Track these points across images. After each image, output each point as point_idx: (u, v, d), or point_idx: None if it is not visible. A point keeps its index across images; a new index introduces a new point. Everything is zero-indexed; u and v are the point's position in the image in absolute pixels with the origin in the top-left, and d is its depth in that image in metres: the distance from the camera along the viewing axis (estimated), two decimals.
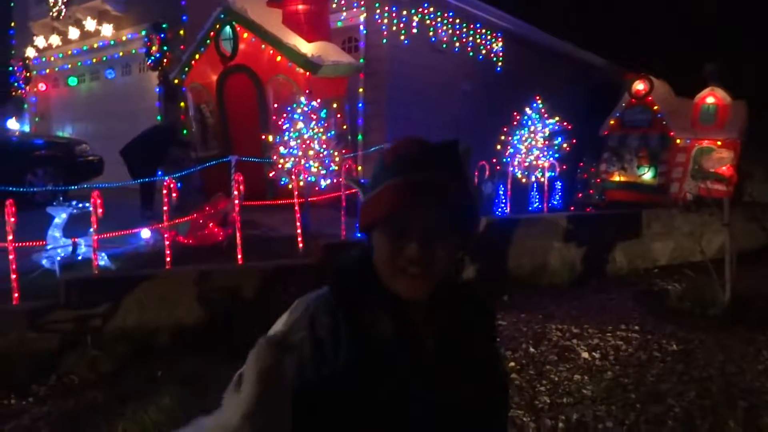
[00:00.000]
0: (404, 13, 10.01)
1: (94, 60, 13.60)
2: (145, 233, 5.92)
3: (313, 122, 6.81)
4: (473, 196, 1.06)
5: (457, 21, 11.15)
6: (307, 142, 6.75)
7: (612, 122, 10.88)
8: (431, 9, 10.54)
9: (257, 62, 8.91)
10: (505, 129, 8.78)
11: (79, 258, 5.09)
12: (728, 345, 5.15)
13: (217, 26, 9.23)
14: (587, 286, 7.35)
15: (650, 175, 10.48)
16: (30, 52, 14.52)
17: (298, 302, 1.05)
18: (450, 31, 11.00)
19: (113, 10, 12.53)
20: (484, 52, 11.95)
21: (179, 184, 7.07)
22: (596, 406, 3.91)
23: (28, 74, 14.80)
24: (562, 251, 7.71)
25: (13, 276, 4.25)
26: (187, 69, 9.85)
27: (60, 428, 3.45)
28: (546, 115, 8.70)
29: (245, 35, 8.98)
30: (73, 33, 13.27)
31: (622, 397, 4.05)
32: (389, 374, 0.97)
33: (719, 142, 9.70)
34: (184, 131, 10.32)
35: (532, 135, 8.60)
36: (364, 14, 9.85)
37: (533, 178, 8.71)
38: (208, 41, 9.42)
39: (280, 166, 6.85)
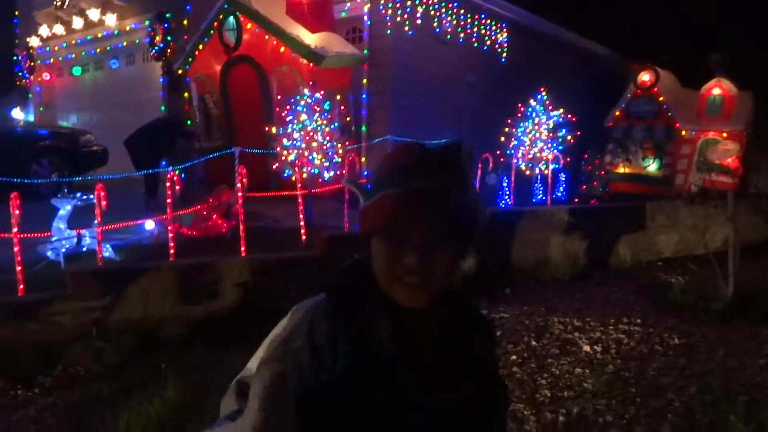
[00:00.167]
0: (408, 3, 9.95)
1: (98, 50, 13.59)
2: (149, 224, 5.95)
3: (317, 114, 6.80)
4: (474, 203, 1.06)
5: (462, 12, 11.08)
6: (311, 134, 6.75)
7: (617, 113, 10.83)
8: (435, 0, 10.48)
9: (261, 53, 8.89)
10: (509, 121, 8.75)
11: (84, 249, 5.12)
12: (730, 339, 5.16)
13: (221, 16, 9.21)
14: (590, 279, 7.36)
15: (655, 166, 10.44)
16: (34, 42, 14.51)
17: (297, 308, 1.04)
18: (454, 22, 10.93)
19: (117, 0, 12.51)
20: (488, 43, 11.88)
21: (183, 176, 7.10)
22: (597, 399, 3.93)
23: (32, 64, 14.80)
24: (566, 244, 7.71)
25: (19, 268, 4.28)
26: (190, 59, 9.84)
27: (66, 419, 3.49)
28: (550, 107, 8.67)
29: (249, 26, 8.96)
30: (77, 22, 13.27)
31: (623, 390, 4.07)
32: (388, 381, 0.98)
33: (725, 134, 9.64)
34: (188, 122, 10.32)
35: (536, 127, 8.57)
36: (368, 5, 9.80)
37: (537, 171, 8.70)
38: (212, 31, 9.40)
39: (283, 158, 6.85)
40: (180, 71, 10.18)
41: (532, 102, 8.66)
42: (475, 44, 11.56)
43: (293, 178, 6.47)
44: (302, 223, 6.02)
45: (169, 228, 5.17)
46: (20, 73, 15.06)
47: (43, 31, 14.26)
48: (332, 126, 6.97)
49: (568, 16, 14.01)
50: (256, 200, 6.64)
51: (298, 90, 7.45)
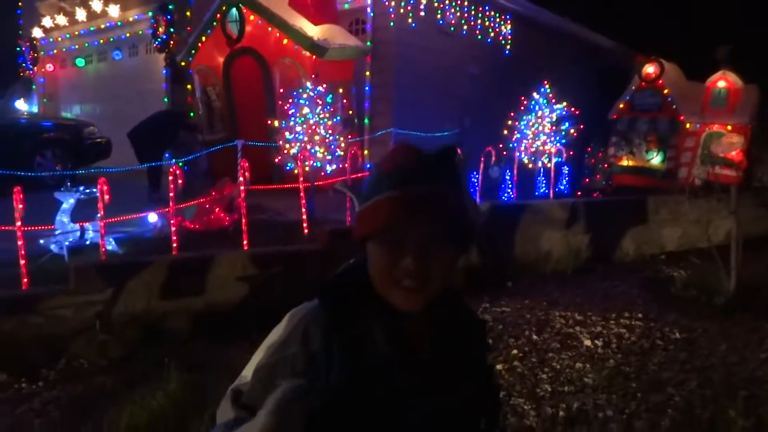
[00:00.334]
0: None
1: (101, 41, 13.59)
2: (153, 217, 5.97)
3: (319, 107, 6.79)
4: (470, 207, 1.06)
5: (465, 3, 11.03)
6: (313, 127, 6.75)
7: (621, 106, 10.76)
8: None
9: (264, 45, 8.87)
10: (512, 114, 8.73)
11: (87, 243, 5.15)
12: (732, 333, 5.16)
13: (224, 8, 9.19)
14: (592, 273, 7.35)
15: (659, 159, 10.39)
16: (37, 33, 14.51)
17: (291, 315, 1.05)
18: (458, 14, 10.88)
19: None
20: (492, 34, 11.82)
21: (185, 168, 7.10)
22: (597, 394, 3.95)
23: (35, 55, 14.81)
24: (568, 237, 7.70)
25: (22, 261, 4.31)
26: (193, 51, 9.83)
27: (69, 412, 3.52)
28: (554, 100, 8.63)
29: (251, 17, 8.93)
30: (80, 13, 13.25)
31: (623, 385, 4.08)
32: (385, 385, 0.98)
33: (729, 127, 9.59)
34: (191, 114, 10.33)
35: (540, 120, 8.54)
36: None
37: (540, 164, 8.68)
38: (215, 23, 9.39)
39: (285, 151, 6.85)
40: (183, 63, 10.17)
41: (536, 95, 8.62)
42: (479, 36, 11.51)
43: (295, 172, 6.48)
44: (304, 217, 6.03)
45: (172, 221, 5.19)
46: (24, 64, 15.07)
47: (46, 21, 14.25)
48: (335, 119, 6.97)
49: (572, 8, 13.93)
50: (259, 193, 6.65)
51: (301, 82, 7.44)
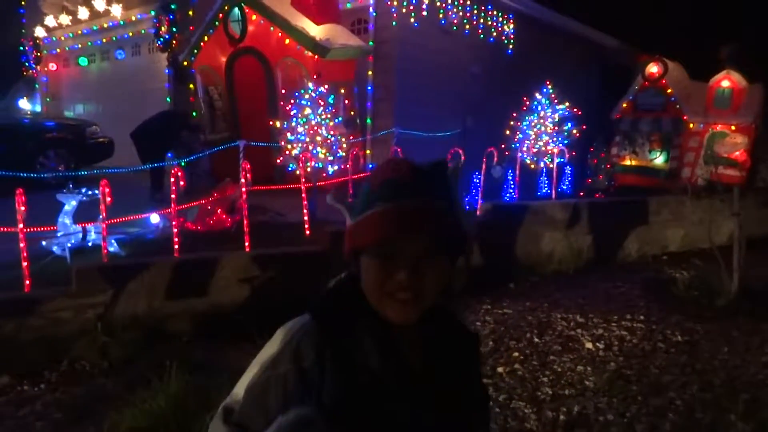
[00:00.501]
0: None
1: (104, 40, 13.61)
2: (155, 218, 5.99)
3: (321, 108, 6.79)
4: (462, 220, 1.06)
5: (468, 2, 11.00)
6: (315, 128, 6.75)
7: (624, 105, 10.72)
8: None
9: (266, 45, 8.87)
10: (514, 114, 8.71)
11: (89, 244, 5.16)
12: (733, 336, 5.15)
13: (226, 8, 9.19)
14: (595, 274, 7.34)
15: (662, 159, 10.35)
16: (40, 32, 14.53)
17: (283, 331, 1.04)
18: (460, 13, 10.86)
19: None
20: (495, 34, 11.79)
21: (187, 168, 7.11)
22: (598, 398, 3.94)
23: (38, 54, 14.83)
24: (570, 238, 7.70)
25: (25, 263, 4.32)
26: (196, 51, 9.83)
27: (71, 414, 3.54)
28: (556, 101, 8.61)
29: (254, 17, 8.93)
30: (83, 12, 13.26)
31: (624, 388, 4.08)
32: (378, 399, 0.99)
33: (733, 127, 9.56)
34: (194, 114, 10.33)
35: (542, 121, 8.52)
36: None
37: (542, 164, 8.66)
38: (217, 23, 9.38)
39: (287, 152, 6.86)
40: (185, 63, 10.18)
41: (538, 95, 8.60)
42: (482, 36, 11.48)
43: (297, 173, 6.48)
44: (306, 218, 6.03)
45: (174, 223, 5.20)
46: (27, 64, 15.11)
47: (49, 21, 14.27)
48: (336, 120, 6.97)
49: (575, 7, 13.87)
50: (261, 193, 6.65)
51: (303, 83, 7.43)
